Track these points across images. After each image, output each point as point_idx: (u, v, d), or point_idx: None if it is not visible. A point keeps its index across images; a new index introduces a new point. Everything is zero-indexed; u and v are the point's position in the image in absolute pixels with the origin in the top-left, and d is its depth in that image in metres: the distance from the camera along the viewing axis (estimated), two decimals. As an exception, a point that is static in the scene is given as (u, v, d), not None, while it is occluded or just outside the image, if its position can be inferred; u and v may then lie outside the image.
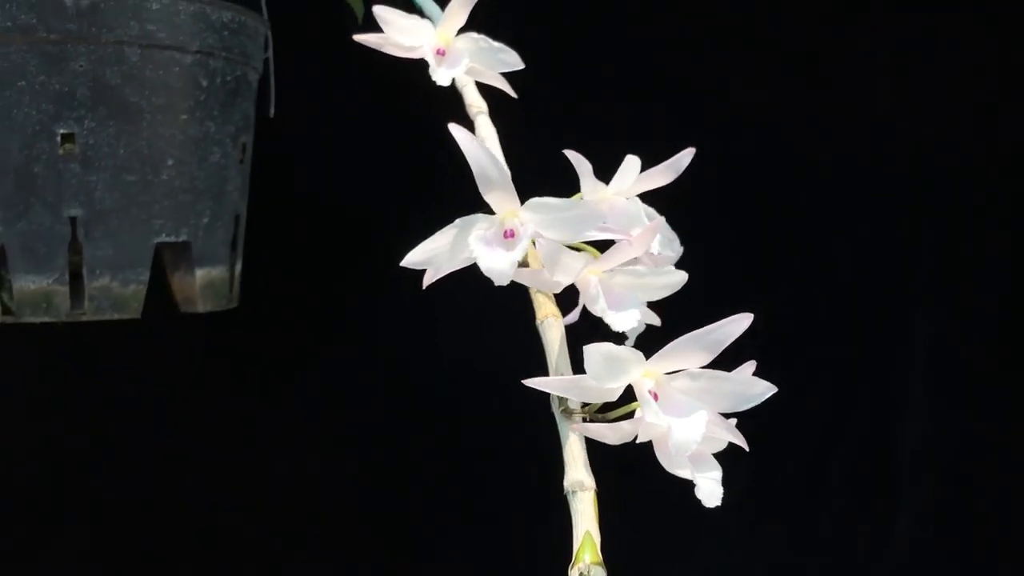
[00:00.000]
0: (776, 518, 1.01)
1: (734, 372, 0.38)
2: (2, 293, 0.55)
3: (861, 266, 1.00)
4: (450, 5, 0.50)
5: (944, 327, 1.00)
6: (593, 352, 0.35)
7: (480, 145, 0.37)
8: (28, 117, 0.53)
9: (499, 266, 0.37)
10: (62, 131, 0.53)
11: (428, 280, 0.39)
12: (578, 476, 0.35)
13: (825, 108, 0.97)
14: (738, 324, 0.35)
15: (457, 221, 0.38)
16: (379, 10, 0.49)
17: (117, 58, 0.54)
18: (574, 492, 0.35)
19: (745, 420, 0.39)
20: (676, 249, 0.47)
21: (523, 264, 0.38)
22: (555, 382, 0.36)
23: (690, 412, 0.36)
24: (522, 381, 0.36)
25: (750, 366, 0.39)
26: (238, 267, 0.64)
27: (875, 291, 1.00)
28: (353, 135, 0.92)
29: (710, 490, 0.37)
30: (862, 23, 0.98)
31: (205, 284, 0.60)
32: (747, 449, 0.39)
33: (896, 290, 1.00)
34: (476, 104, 0.49)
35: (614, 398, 0.36)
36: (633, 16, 0.95)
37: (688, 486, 0.37)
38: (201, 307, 0.60)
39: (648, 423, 0.35)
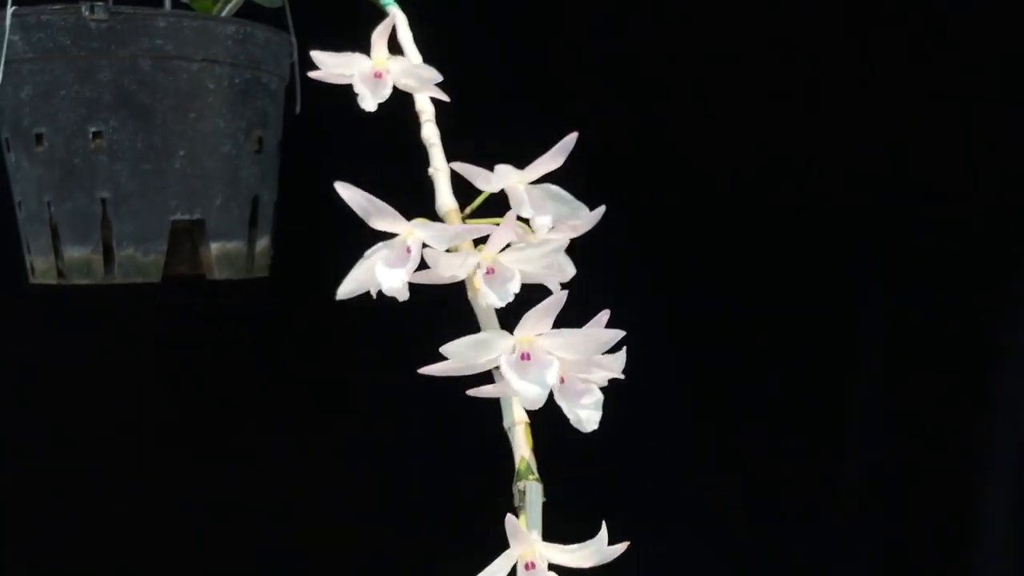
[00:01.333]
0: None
1: (586, 326, 0.46)
2: (58, 261, 0.69)
3: (816, 239, 1.06)
4: (375, 36, 0.57)
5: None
6: (452, 349, 0.44)
7: (358, 192, 0.47)
8: (68, 119, 0.66)
9: (393, 284, 0.47)
10: (93, 129, 0.66)
11: (375, 294, 0.49)
12: (514, 416, 0.46)
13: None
14: (561, 297, 0.44)
15: (367, 252, 0.49)
16: (315, 54, 0.56)
17: (132, 68, 0.66)
18: (511, 428, 0.45)
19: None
20: (587, 216, 0.53)
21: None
22: (438, 368, 0.45)
23: (550, 366, 0.44)
24: (418, 371, 0.45)
25: (603, 316, 0.46)
26: (261, 242, 0.75)
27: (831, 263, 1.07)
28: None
29: (587, 417, 0.45)
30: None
31: (221, 255, 0.71)
32: (622, 377, 0.47)
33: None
34: (425, 110, 0.56)
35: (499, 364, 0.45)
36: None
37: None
38: (217, 275, 0.72)
39: (513, 381, 0.44)
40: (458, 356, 0.44)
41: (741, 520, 1.09)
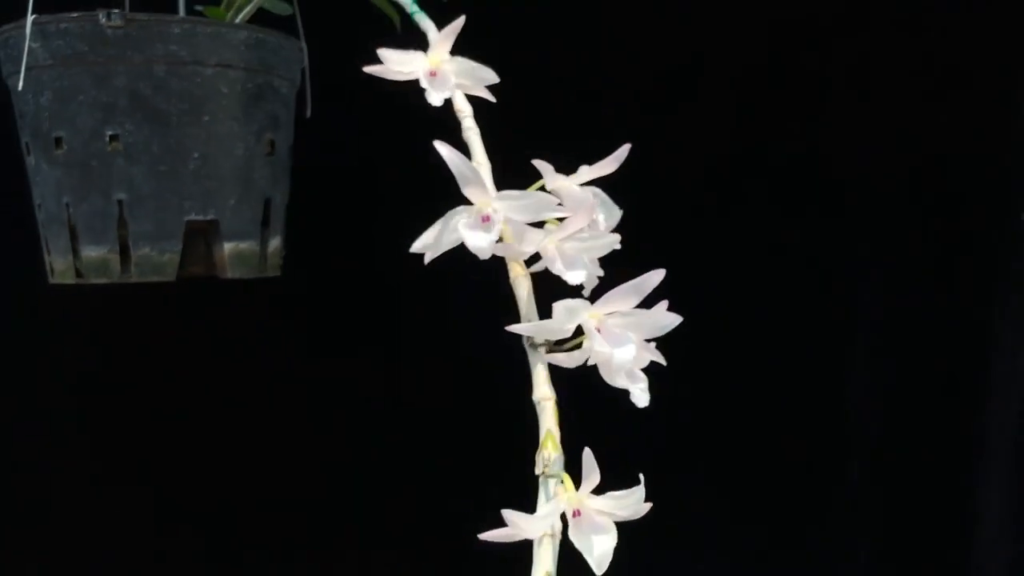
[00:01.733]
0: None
1: (651, 309, 0.50)
2: (76, 261, 0.71)
3: (811, 240, 1.10)
4: (438, 37, 0.60)
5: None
6: (559, 306, 0.48)
7: (457, 154, 0.50)
8: (86, 123, 0.68)
9: (481, 244, 0.50)
10: (110, 132, 0.68)
11: (428, 259, 0.53)
12: (543, 391, 0.48)
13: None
14: (653, 278, 0.48)
15: (446, 214, 0.52)
16: (382, 51, 0.59)
17: (147, 74, 0.68)
18: (539, 403, 0.48)
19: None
20: (615, 215, 0.57)
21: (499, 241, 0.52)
22: (529, 327, 0.50)
23: (624, 341, 0.49)
24: (505, 328, 0.49)
25: (663, 305, 0.50)
26: (273, 242, 0.77)
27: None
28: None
29: (639, 395, 0.49)
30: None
31: (233, 255, 0.73)
32: (664, 364, 0.51)
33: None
34: (463, 109, 0.60)
35: (568, 335, 0.49)
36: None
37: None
38: (230, 274, 0.74)
39: (596, 351, 0.48)
40: (559, 316, 0.48)
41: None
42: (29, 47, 0.68)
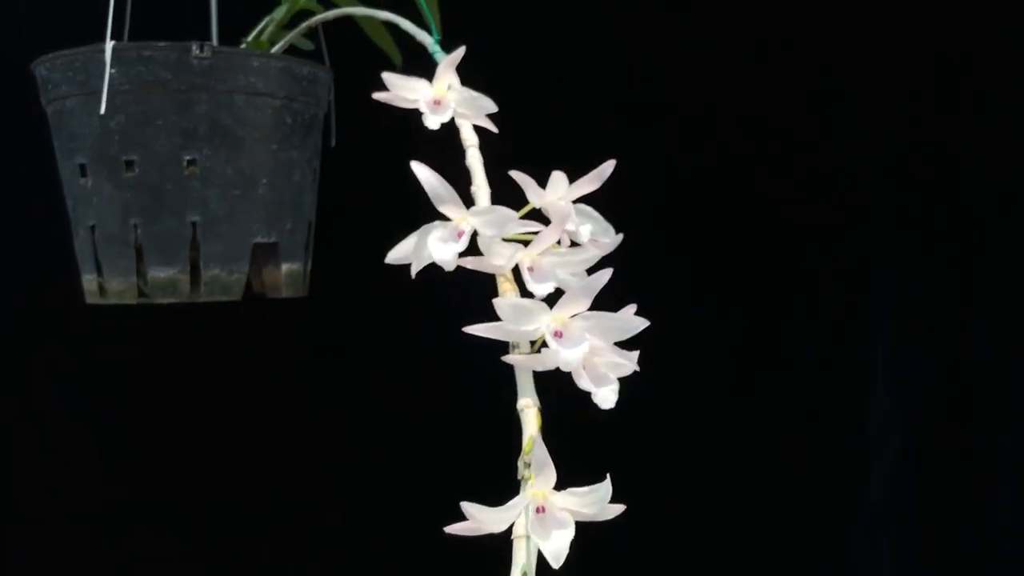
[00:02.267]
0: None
1: (618, 312, 0.51)
2: (139, 281, 0.73)
3: (828, 248, 1.15)
4: (438, 68, 0.65)
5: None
6: (501, 303, 0.50)
7: (432, 174, 0.54)
8: (163, 147, 0.71)
9: (445, 256, 0.53)
10: (187, 157, 0.71)
11: (414, 272, 0.55)
12: (526, 399, 0.50)
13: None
14: (601, 277, 0.49)
15: (422, 228, 0.55)
16: (386, 76, 0.64)
17: (228, 103, 0.72)
18: (523, 410, 0.50)
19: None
20: (613, 236, 0.60)
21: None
22: (482, 328, 0.50)
23: (580, 343, 0.49)
24: (462, 328, 0.49)
25: (631, 308, 0.52)
26: (309, 264, 0.82)
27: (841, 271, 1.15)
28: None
29: (604, 397, 0.50)
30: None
31: (287, 276, 0.78)
32: (637, 369, 0.51)
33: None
34: (469, 139, 0.64)
35: (534, 339, 0.51)
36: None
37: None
38: (284, 293, 0.78)
39: (549, 351, 0.50)
40: (505, 314, 0.49)
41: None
42: (100, 72, 0.70)
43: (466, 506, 0.45)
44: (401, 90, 0.65)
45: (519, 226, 0.55)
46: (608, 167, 0.58)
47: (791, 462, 1.15)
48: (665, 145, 1.12)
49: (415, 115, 0.64)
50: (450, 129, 0.64)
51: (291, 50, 0.84)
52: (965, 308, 1.11)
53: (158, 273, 0.72)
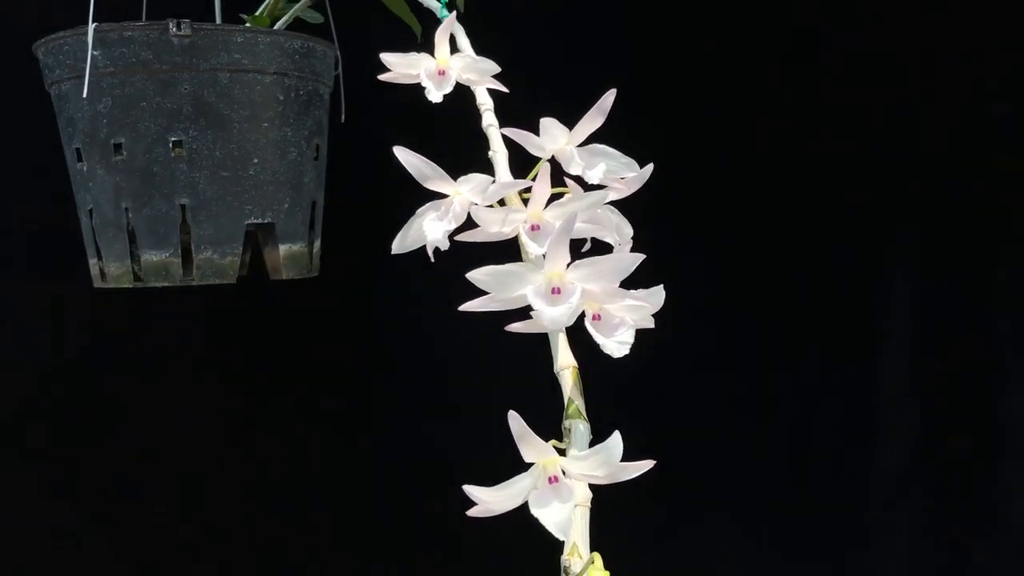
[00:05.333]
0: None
1: (611, 255, 0.48)
2: (133, 265, 0.72)
3: (843, 236, 1.14)
4: (436, 36, 0.63)
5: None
6: (476, 275, 0.46)
7: (413, 155, 0.52)
8: (148, 129, 0.70)
9: (436, 235, 0.51)
10: (173, 139, 0.70)
11: (431, 252, 0.53)
12: (561, 361, 0.48)
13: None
14: (569, 223, 0.46)
15: (418, 211, 0.53)
16: (384, 56, 0.63)
17: (212, 81, 0.70)
18: (560, 372, 0.48)
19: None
20: (637, 170, 0.55)
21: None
22: (476, 303, 0.48)
23: (570, 296, 0.46)
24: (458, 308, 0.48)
25: (626, 247, 0.50)
26: (316, 244, 0.80)
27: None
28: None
29: (613, 347, 0.46)
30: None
31: (288, 257, 0.76)
32: (661, 305, 0.47)
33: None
34: (484, 103, 0.63)
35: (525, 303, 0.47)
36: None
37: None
38: (284, 275, 0.76)
39: (537, 312, 0.46)
40: (487, 285, 0.46)
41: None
42: (85, 55, 0.69)
43: (468, 489, 0.43)
44: (402, 67, 0.64)
45: (508, 189, 0.52)
46: (609, 98, 0.53)
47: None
48: (684, 134, 1.11)
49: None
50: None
51: (298, 24, 0.81)
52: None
53: (151, 256, 0.71)
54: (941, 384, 1.14)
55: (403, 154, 0.52)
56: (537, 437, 0.43)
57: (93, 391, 1.07)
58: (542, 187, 0.51)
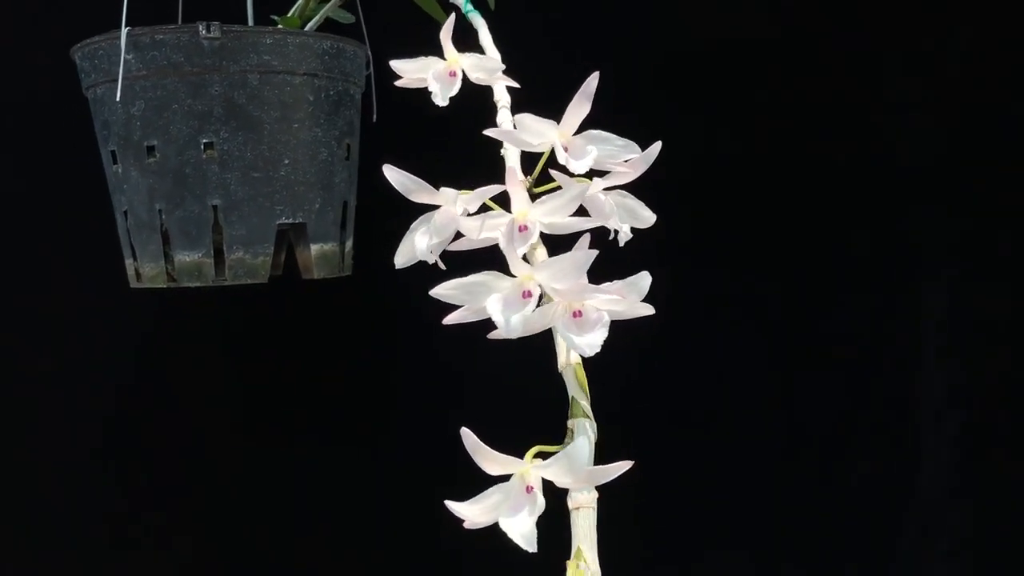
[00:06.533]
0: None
1: (569, 252, 0.46)
2: (167, 265, 0.73)
3: (877, 237, 1.13)
4: (440, 38, 0.63)
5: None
6: (440, 291, 0.47)
7: (398, 172, 0.52)
8: (180, 131, 0.70)
9: (420, 246, 0.52)
10: (204, 140, 0.70)
11: (438, 264, 0.54)
12: (562, 360, 0.48)
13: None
14: (511, 228, 0.47)
15: (412, 226, 0.54)
16: (394, 63, 0.63)
17: (242, 83, 0.70)
18: (563, 370, 0.48)
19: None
20: (638, 152, 0.53)
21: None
22: (454, 316, 0.49)
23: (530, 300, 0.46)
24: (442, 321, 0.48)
25: (585, 241, 0.47)
26: (348, 243, 0.80)
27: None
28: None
29: (583, 344, 0.45)
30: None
31: (319, 256, 0.76)
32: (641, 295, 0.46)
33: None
34: (501, 99, 0.63)
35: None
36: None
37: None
38: (316, 275, 0.76)
39: (495, 320, 0.46)
40: (455, 299, 0.47)
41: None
42: (118, 59, 0.70)
43: (449, 505, 0.43)
44: (413, 73, 0.64)
45: (487, 195, 0.52)
46: (592, 82, 0.51)
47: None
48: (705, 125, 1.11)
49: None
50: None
51: (329, 25, 0.82)
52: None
53: (184, 257, 0.72)
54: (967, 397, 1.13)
55: (390, 172, 0.52)
56: (493, 451, 0.42)
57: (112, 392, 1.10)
58: (512, 187, 0.50)
